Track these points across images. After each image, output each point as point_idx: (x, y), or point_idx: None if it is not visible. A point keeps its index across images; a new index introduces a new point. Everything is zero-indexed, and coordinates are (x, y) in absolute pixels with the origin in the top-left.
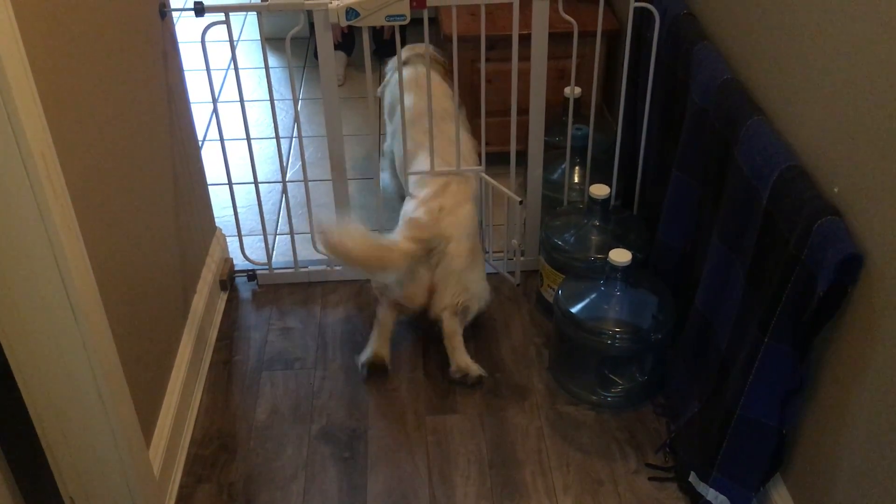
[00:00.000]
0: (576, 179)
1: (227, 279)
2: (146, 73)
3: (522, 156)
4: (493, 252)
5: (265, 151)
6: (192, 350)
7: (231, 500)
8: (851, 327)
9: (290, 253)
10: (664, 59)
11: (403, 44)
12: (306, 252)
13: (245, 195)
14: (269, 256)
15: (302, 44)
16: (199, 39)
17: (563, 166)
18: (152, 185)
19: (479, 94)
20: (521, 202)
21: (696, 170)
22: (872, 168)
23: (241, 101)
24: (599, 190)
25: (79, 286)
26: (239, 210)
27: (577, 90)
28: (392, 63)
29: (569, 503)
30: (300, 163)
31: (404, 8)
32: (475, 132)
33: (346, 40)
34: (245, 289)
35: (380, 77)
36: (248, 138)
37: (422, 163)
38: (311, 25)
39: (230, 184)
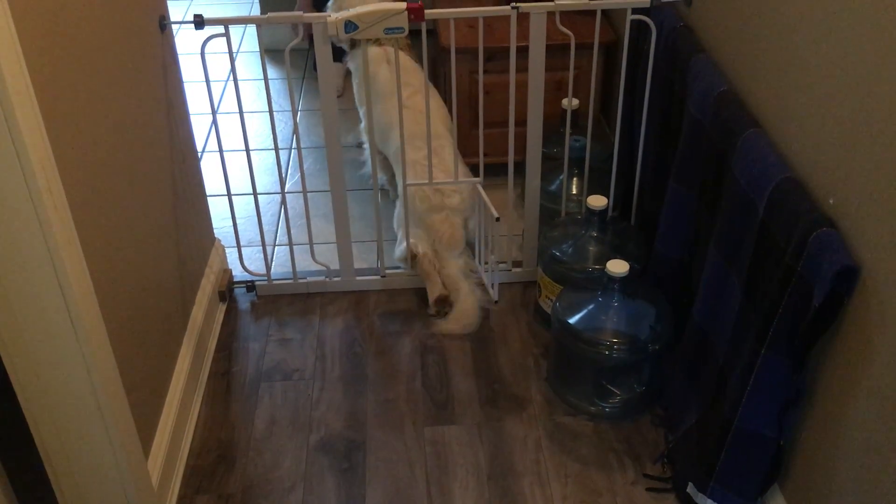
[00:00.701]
0: (573, 190)
1: (226, 290)
2: (146, 84)
3: (520, 167)
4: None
5: (264, 162)
6: (190, 361)
7: None
8: (848, 338)
9: (289, 264)
10: (661, 71)
11: None
12: (305, 263)
13: (244, 206)
14: (268, 267)
15: (301, 55)
16: (199, 51)
17: (560, 177)
18: (152, 196)
19: (478, 105)
20: (497, 219)
21: (692, 181)
22: (867, 179)
23: (241, 112)
24: (597, 201)
25: (78, 297)
26: (238, 221)
27: (575, 102)
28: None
29: None
30: (299, 174)
31: (403, 21)
32: (473, 144)
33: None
34: (244, 300)
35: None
36: (248, 149)
37: (395, 138)
38: (311, 37)
39: (229, 195)
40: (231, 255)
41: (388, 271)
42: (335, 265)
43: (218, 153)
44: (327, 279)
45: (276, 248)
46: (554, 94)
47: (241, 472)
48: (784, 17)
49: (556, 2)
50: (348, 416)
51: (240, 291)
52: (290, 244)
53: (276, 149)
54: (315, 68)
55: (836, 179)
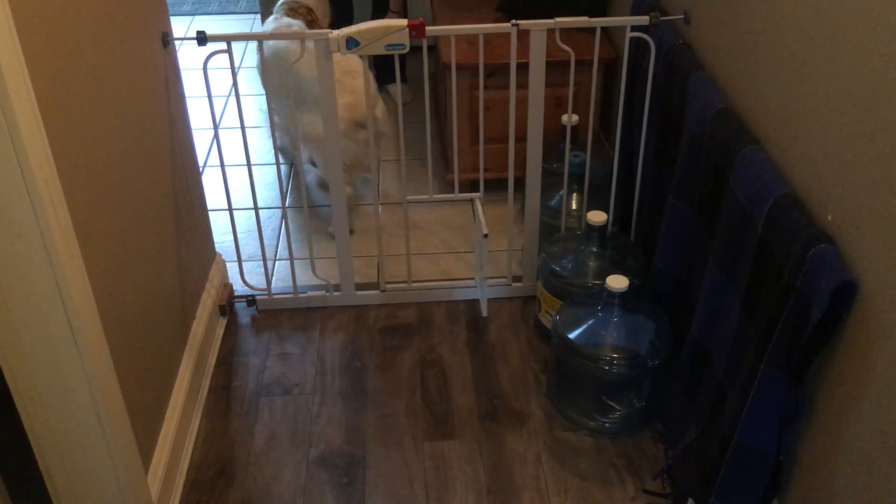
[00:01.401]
0: (573, 206)
1: (227, 304)
2: (148, 100)
3: (520, 182)
4: (487, 278)
5: (265, 177)
6: (191, 375)
7: None
8: (846, 354)
9: (290, 279)
10: (660, 88)
11: (403, 71)
12: (306, 278)
13: (245, 221)
14: (269, 282)
15: None
16: (202, 67)
17: (560, 193)
18: (153, 210)
19: (478, 121)
20: (485, 235)
21: (692, 197)
22: (865, 196)
23: (242, 127)
24: (597, 216)
25: (79, 311)
26: (239, 235)
27: (575, 118)
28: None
29: None
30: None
31: (404, 37)
32: (474, 159)
33: None
34: (244, 314)
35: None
36: (249, 164)
37: (315, 119)
38: None
39: (230, 209)
40: (232, 270)
41: (388, 286)
42: (335, 280)
43: (219, 167)
44: (328, 294)
45: (277, 262)
46: (554, 110)
47: (240, 486)
48: (783, 34)
49: (556, 19)
50: (348, 431)
51: (240, 306)
52: (291, 259)
53: (278, 163)
54: None
55: (835, 196)
